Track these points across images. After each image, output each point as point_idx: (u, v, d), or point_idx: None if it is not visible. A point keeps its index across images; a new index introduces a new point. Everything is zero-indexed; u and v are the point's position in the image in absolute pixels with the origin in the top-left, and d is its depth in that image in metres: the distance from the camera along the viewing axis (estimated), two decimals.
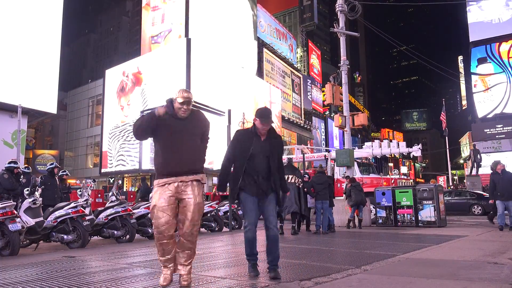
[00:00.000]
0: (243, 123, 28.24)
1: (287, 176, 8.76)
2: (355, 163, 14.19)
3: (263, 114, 3.89)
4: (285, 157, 19.38)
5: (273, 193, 3.96)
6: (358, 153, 17.37)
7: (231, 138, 4.16)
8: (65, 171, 10.93)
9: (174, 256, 3.46)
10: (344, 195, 11.70)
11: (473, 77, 35.60)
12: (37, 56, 23.90)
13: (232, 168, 4.02)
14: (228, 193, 4.38)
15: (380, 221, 11.15)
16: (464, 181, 35.24)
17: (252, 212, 3.86)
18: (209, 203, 10.13)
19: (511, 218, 9.29)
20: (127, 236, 8.04)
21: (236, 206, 10.43)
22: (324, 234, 9.23)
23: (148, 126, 3.44)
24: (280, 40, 47.45)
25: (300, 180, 8.83)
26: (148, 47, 33.75)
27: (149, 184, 16.17)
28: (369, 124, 69.45)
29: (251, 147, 3.86)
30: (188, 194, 3.39)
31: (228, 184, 4.13)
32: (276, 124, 35.65)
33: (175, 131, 3.44)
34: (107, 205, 8.34)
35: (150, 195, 8.38)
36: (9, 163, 8.64)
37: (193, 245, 3.46)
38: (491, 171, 10.03)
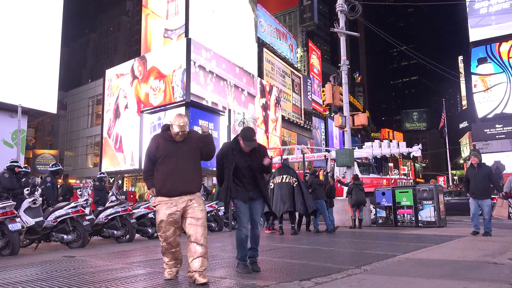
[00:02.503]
0: (243, 123, 28.28)
1: (281, 176, 8.81)
2: (355, 163, 14.20)
3: (247, 136, 4.19)
4: (291, 157, 19.41)
5: (260, 198, 4.41)
6: (358, 153, 17.37)
7: (220, 148, 4.46)
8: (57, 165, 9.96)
9: (181, 258, 3.84)
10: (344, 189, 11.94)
11: (473, 77, 35.62)
12: (37, 56, 23.91)
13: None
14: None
15: (380, 221, 11.15)
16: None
17: (244, 216, 4.27)
18: (209, 203, 10.13)
19: (485, 220, 8.03)
20: (127, 236, 8.04)
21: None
22: (328, 232, 9.27)
23: (153, 166, 3.81)
24: (280, 40, 47.44)
25: (294, 179, 8.85)
26: (146, 47, 33.72)
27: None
28: (369, 124, 69.44)
29: (235, 161, 4.22)
30: (193, 204, 3.72)
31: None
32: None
33: (171, 154, 3.74)
34: (107, 205, 8.34)
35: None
36: (11, 162, 8.65)
37: (207, 249, 3.69)
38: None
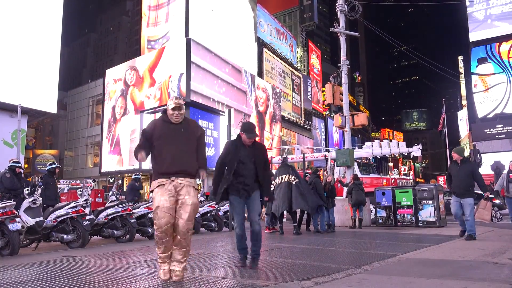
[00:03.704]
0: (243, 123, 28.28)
1: (281, 176, 8.81)
2: (355, 163, 14.19)
3: (248, 129, 4.47)
4: (279, 158, 19.44)
5: (257, 191, 4.51)
6: (358, 153, 17.37)
7: (223, 147, 4.73)
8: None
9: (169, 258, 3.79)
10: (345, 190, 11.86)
11: (473, 77, 35.62)
12: (37, 56, 23.92)
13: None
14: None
15: (380, 221, 11.15)
16: None
17: (240, 213, 4.48)
18: (209, 203, 10.12)
19: (467, 222, 7.28)
20: (127, 236, 8.03)
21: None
22: (323, 233, 9.24)
23: (146, 146, 3.79)
24: (280, 40, 47.45)
25: (293, 177, 8.80)
26: (142, 49, 33.74)
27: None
28: (369, 124, 69.43)
29: (239, 156, 4.43)
30: (183, 195, 3.68)
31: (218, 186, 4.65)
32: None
33: (168, 135, 3.76)
34: (107, 204, 8.33)
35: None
36: (13, 162, 8.66)
37: (189, 243, 3.74)
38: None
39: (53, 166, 9.18)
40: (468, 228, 7.24)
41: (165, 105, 3.97)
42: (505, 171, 8.20)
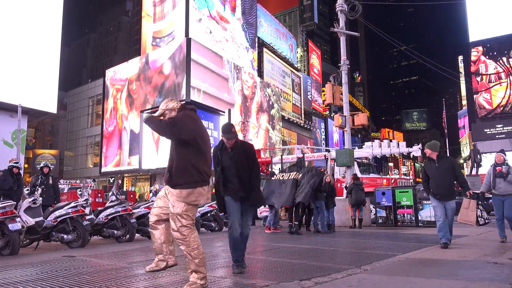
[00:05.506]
0: (243, 123, 28.23)
1: (289, 173, 8.88)
2: (355, 163, 14.19)
3: (225, 129, 4.30)
4: (290, 156, 19.40)
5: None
6: (358, 153, 17.36)
7: None
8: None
9: (161, 251, 3.68)
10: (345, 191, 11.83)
11: (473, 77, 35.61)
12: (37, 56, 23.94)
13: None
14: None
15: (380, 221, 11.16)
16: None
17: (235, 214, 4.29)
18: (209, 203, 10.12)
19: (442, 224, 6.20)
20: (127, 236, 8.04)
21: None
22: (323, 233, 9.23)
23: None
24: (280, 39, 47.43)
25: (294, 174, 8.84)
26: (143, 49, 33.71)
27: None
28: (369, 124, 69.41)
29: (221, 161, 4.34)
30: (170, 202, 3.55)
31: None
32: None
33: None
34: (107, 204, 8.33)
35: None
36: (13, 163, 8.68)
37: (184, 247, 3.36)
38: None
39: (42, 165, 9.15)
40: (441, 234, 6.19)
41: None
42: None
